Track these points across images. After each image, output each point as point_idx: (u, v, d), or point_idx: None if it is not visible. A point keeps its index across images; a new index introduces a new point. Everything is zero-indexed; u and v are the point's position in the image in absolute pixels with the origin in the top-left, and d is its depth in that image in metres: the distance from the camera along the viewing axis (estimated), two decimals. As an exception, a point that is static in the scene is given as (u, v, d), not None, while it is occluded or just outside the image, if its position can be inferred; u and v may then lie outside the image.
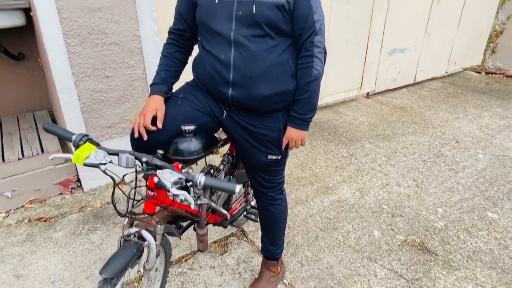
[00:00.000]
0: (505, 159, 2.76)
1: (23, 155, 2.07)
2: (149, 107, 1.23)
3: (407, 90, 4.25)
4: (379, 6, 3.44)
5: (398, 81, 4.16)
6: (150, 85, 1.32)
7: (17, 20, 2.09)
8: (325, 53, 1.22)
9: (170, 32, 1.33)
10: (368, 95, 3.98)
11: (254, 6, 1.09)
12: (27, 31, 2.42)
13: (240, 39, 1.12)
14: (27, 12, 2.16)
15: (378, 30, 3.58)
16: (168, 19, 2.38)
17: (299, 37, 1.17)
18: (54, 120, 2.64)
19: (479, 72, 5.08)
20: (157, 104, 1.24)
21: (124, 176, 1.03)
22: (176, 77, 1.35)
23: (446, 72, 4.76)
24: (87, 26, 1.91)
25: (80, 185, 2.25)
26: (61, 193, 2.21)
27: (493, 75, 4.99)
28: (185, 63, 1.38)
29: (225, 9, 1.13)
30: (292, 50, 1.20)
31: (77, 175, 2.23)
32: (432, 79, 4.66)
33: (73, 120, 2.07)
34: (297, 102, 1.23)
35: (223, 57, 1.16)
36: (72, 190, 2.24)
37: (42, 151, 2.14)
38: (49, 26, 1.79)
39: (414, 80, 4.36)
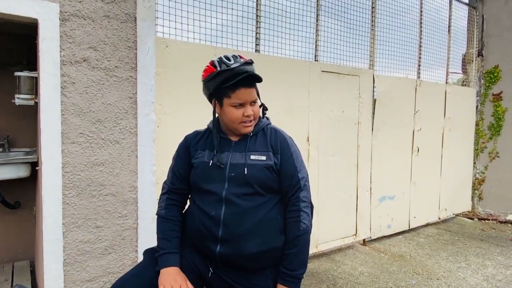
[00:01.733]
0: (523, 317, 2.50)
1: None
2: (175, 278, 1.17)
3: (403, 237, 4.19)
4: (363, 157, 3.73)
5: (393, 227, 4.14)
6: (163, 253, 1.25)
7: (22, 172, 2.22)
8: (311, 207, 1.26)
9: (169, 191, 1.36)
10: (364, 242, 3.89)
11: (245, 168, 1.18)
12: (28, 181, 2.53)
13: (231, 197, 1.18)
14: (33, 164, 2.31)
15: (365, 179, 3.78)
16: (166, 170, 2.53)
17: (285, 193, 1.23)
18: (34, 272, 2.48)
19: (471, 218, 5.12)
20: (182, 276, 1.20)
21: None
22: (179, 245, 1.32)
23: (439, 218, 4.79)
24: (87, 178, 2.02)
25: None
26: None
27: (486, 221, 5.02)
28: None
29: (218, 171, 1.22)
30: (280, 206, 1.24)
31: None
32: (427, 225, 4.66)
33: (52, 272, 1.95)
34: (286, 256, 1.20)
35: (213, 213, 1.19)
36: None
37: (10, 310, 1.93)
38: (52, 179, 1.89)
39: (409, 227, 4.34)
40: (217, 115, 1.34)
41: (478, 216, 5.16)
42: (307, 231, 1.21)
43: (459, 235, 4.37)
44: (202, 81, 1.31)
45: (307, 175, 1.26)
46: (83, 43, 1.94)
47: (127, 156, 2.14)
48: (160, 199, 1.39)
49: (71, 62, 1.92)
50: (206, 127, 1.44)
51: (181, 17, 2.52)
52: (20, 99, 2.13)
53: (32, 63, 2.60)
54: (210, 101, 1.34)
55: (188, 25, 2.55)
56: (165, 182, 1.41)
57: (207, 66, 1.29)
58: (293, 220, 1.20)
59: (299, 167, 1.24)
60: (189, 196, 1.39)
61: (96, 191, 2.05)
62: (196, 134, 1.39)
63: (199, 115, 2.61)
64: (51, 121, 1.88)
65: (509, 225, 4.85)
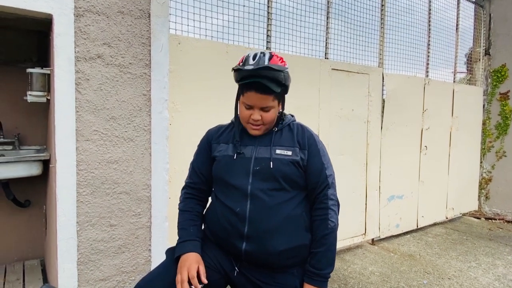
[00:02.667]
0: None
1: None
2: (191, 261, 1.13)
3: (411, 236, 4.17)
4: (372, 156, 3.70)
5: (401, 227, 4.12)
6: (180, 242, 1.24)
7: (34, 170, 2.19)
8: (338, 205, 1.24)
9: (187, 186, 1.37)
10: (373, 242, 3.87)
11: (271, 162, 1.16)
12: (38, 178, 2.50)
13: (256, 192, 1.15)
14: (44, 162, 2.28)
15: (374, 178, 3.76)
16: (178, 168, 2.51)
17: (312, 191, 1.20)
18: (44, 271, 2.46)
19: (478, 218, 5.10)
20: (198, 259, 1.16)
21: None
22: (201, 231, 1.31)
23: (446, 218, 4.77)
24: (102, 176, 1.99)
25: None
26: None
27: (493, 220, 5.00)
28: (203, 216, 1.37)
29: (242, 164, 1.19)
30: (306, 203, 1.22)
31: None
32: (434, 224, 4.64)
33: (66, 272, 1.92)
34: (313, 255, 1.18)
35: (238, 209, 1.16)
36: None
37: (24, 309, 1.91)
38: (66, 177, 1.86)
39: (417, 226, 4.32)
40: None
41: (485, 216, 5.14)
42: (334, 230, 1.18)
43: (467, 234, 4.34)
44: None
45: (334, 173, 1.24)
46: (97, 39, 1.92)
47: (141, 154, 2.11)
48: (180, 193, 1.38)
49: (85, 59, 1.89)
50: (225, 123, 1.41)
51: (193, 13, 2.49)
52: (32, 96, 2.10)
53: (42, 59, 2.57)
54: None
55: (200, 22, 2.52)
56: (186, 178, 1.40)
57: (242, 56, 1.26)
58: (321, 218, 1.17)
59: (326, 164, 1.22)
60: (210, 193, 1.37)
61: (110, 189, 2.02)
62: (219, 128, 1.37)
63: (212, 112, 2.60)
64: (66, 118, 1.85)
65: (517, 224, 4.82)
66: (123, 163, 2.06)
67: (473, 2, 5.10)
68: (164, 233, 2.22)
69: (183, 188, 1.38)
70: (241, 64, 1.19)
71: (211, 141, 1.32)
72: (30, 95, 2.09)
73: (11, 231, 2.55)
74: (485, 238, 4.21)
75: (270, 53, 1.20)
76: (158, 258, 2.19)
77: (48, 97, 2.15)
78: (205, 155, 1.32)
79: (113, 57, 1.97)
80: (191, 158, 2.60)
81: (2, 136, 2.42)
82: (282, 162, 1.16)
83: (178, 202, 1.37)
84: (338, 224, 1.21)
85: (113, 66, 1.98)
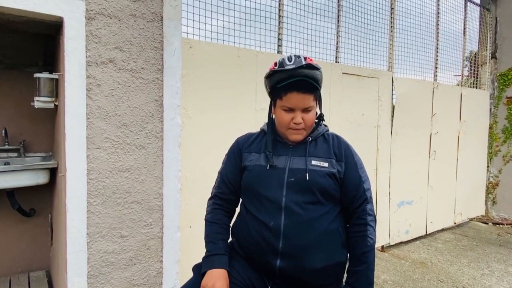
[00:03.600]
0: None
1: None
2: (216, 278, 1.08)
3: (421, 243, 4.10)
4: (382, 161, 3.64)
5: (411, 233, 4.06)
6: (208, 256, 1.18)
7: (41, 179, 2.11)
8: (375, 220, 1.17)
9: (216, 196, 1.30)
10: (383, 248, 3.80)
11: (307, 174, 1.09)
12: (44, 186, 2.42)
13: (291, 205, 1.08)
14: (51, 170, 2.20)
15: (384, 184, 3.69)
16: (189, 176, 2.44)
17: (349, 205, 1.13)
18: (50, 282, 2.37)
19: (485, 223, 5.05)
20: (225, 276, 1.11)
21: None
22: (228, 246, 1.24)
23: (455, 223, 4.71)
24: (113, 185, 1.91)
25: None
26: None
27: (501, 225, 4.95)
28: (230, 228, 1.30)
29: (276, 175, 1.13)
30: (341, 217, 1.15)
31: None
32: (442, 230, 4.58)
33: (75, 286, 1.84)
34: (352, 274, 1.10)
35: (272, 224, 1.09)
36: None
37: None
38: (76, 186, 1.79)
39: (426, 232, 4.26)
40: (272, 116, 1.24)
41: (492, 221, 5.09)
42: (373, 247, 1.12)
43: (477, 240, 4.29)
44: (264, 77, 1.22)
45: (371, 186, 1.17)
46: (109, 43, 1.85)
47: (153, 161, 2.04)
48: (207, 204, 1.31)
49: (97, 63, 1.82)
50: (254, 131, 1.34)
51: (205, 16, 2.43)
52: (40, 101, 2.02)
53: (47, 64, 2.50)
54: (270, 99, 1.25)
55: (211, 25, 2.46)
56: (213, 187, 1.33)
57: (274, 62, 1.20)
58: (360, 235, 1.11)
59: (364, 177, 1.15)
60: (239, 204, 1.30)
61: (121, 198, 1.94)
62: (249, 136, 1.30)
63: (224, 118, 2.53)
64: (76, 125, 1.78)
65: (525, 229, 4.77)
66: (135, 171, 1.98)
67: (478, 5, 5.07)
68: (176, 243, 2.14)
69: (210, 198, 1.31)
70: (276, 68, 1.13)
71: (242, 149, 1.25)
72: (37, 100, 2.02)
73: (15, 241, 2.46)
74: (495, 244, 4.16)
75: (303, 55, 1.15)
76: (170, 269, 2.11)
77: (56, 103, 2.08)
78: (235, 164, 1.25)
79: (125, 61, 1.90)
80: (202, 165, 2.55)
81: (7, 143, 2.34)
82: (318, 174, 1.10)
83: (206, 212, 1.30)
84: (376, 240, 1.14)
85: (125, 71, 1.91)
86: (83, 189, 1.81)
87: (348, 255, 1.14)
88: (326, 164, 1.12)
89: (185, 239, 2.37)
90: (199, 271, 1.18)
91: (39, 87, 2.03)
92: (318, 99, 1.20)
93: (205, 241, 1.23)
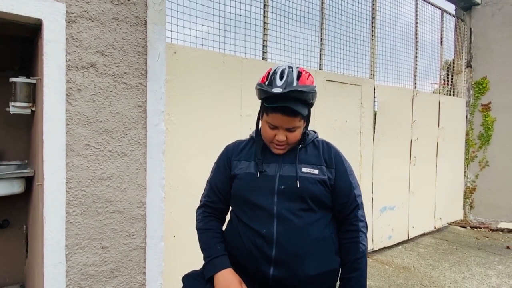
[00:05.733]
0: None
1: None
2: (232, 280, 1.05)
3: (403, 248, 4.15)
4: (365, 167, 3.68)
5: (393, 238, 4.10)
6: (209, 260, 1.14)
7: (16, 188, 2.01)
8: (367, 226, 1.16)
9: (205, 205, 1.26)
10: (367, 254, 3.82)
11: (297, 181, 1.07)
12: (18, 196, 2.30)
13: (283, 212, 1.06)
14: (27, 179, 2.10)
15: (367, 190, 3.73)
16: (173, 184, 2.38)
17: (341, 212, 1.12)
18: (23, 298, 2.24)
19: (464, 227, 5.18)
20: (238, 278, 1.07)
21: None
22: (226, 249, 1.20)
23: (435, 228, 4.81)
24: (93, 195, 1.84)
25: None
26: None
27: (478, 229, 5.09)
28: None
29: (266, 183, 1.10)
30: (333, 224, 1.14)
31: None
32: (423, 234, 4.66)
33: (52, 301, 1.75)
34: (345, 281, 1.09)
35: (265, 231, 1.06)
36: None
37: None
38: (54, 196, 1.70)
39: (408, 237, 4.32)
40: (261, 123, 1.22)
41: (470, 225, 5.23)
42: (365, 253, 1.11)
43: (456, 244, 4.38)
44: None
45: (361, 192, 1.17)
46: (90, 47, 1.79)
47: (136, 169, 1.97)
48: (196, 212, 1.27)
49: (77, 67, 1.76)
50: (243, 138, 1.32)
51: (189, 22, 2.40)
52: (16, 107, 1.93)
53: (24, 68, 2.40)
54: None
55: (196, 30, 2.43)
56: (202, 195, 1.29)
57: (267, 71, 1.15)
58: (352, 241, 1.09)
59: (354, 184, 1.14)
60: (229, 212, 1.27)
61: (102, 208, 1.87)
62: (239, 144, 1.27)
63: (209, 125, 2.49)
64: (55, 132, 1.70)
65: (501, 233, 4.92)
66: (117, 179, 1.92)
67: (454, 16, 5.26)
68: (160, 254, 2.07)
69: (200, 207, 1.27)
70: (266, 81, 1.09)
71: (231, 157, 1.22)
72: (13, 106, 1.92)
73: (-14, 254, 2.32)
74: (474, 247, 4.26)
75: (298, 69, 1.11)
76: (153, 281, 2.04)
77: (33, 109, 1.99)
78: (224, 172, 1.22)
79: (107, 66, 1.85)
80: (187, 172, 2.49)
81: (-22, 151, 2.21)
82: (309, 181, 1.08)
83: (196, 220, 1.26)
84: (367, 246, 1.13)
85: (107, 75, 1.85)
86: (62, 198, 1.73)
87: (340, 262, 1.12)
88: (316, 171, 1.11)
89: (169, 249, 2.30)
90: (191, 280, 1.13)
91: (15, 92, 1.94)
92: (307, 117, 1.17)
93: (202, 249, 1.19)
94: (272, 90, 1.05)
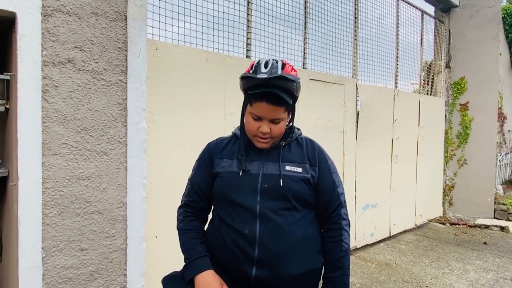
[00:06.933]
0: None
1: None
2: (212, 282, 1.03)
3: (385, 245, 4.22)
4: (348, 166, 3.72)
5: (375, 235, 4.16)
6: (190, 262, 1.12)
7: (-11, 189, 1.92)
8: (349, 225, 1.16)
9: (186, 205, 1.23)
10: (350, 252, 3.86)
11: (281, 180, 1.06)
12: (-7, 198, 2.21)
13: (266, 212, 1.05)
14: (1, 179, 2.02)
15: (350, 188, 3.77)
16: (155, 184, 2.33)
17: (324, 210, 1.12)
18: (-3, 304, 2.15)
19: (443, 223, 5.31)
20: (219, 280, 1.06)
21: None
22: (207, 250, 1.17)
23: (415, 225, 4.91)
24: (71, 195, 1.78)
25: None
26: None
27: (457, 225, 5.22)
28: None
29: (249, 181, 1.09)
30: (316, 223, 1.13)
31: None
32: (405, 231, 4.75)
33: (28, 306, 1.68)
34: (328, 280, 1.08)
35: (247, 231, 1.05)
36: None
37: None
38: (30, 197, 1.64)
39: (390, 234, 4.39)
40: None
41: (449, 221, 5.36)
42: (348, 252, 1.11)
43: (436, 240, 4.48)
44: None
45: (344, 190, 1.17)
46: (67, 42, 1.73)
47: (116, 168, 1.92)
48: (177, 212, 1.24)
49: (54, 63, 1.69)
50: (226, 135, 1.29)
51: (172, 18, 2.36)
52: (-12, 104, 1.84)
53: (-3, 64, 2.30)
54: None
55: (179, 27, 2.39)
56: (183, 194, 1.26)
57: (251, 63, 1.14)
58: (335, 240, 1.09)
59: (337, 182, 1.14)
60: (209, 211, 1.24)
61: (80, 209, 1.81)
62: (221, 141, 1.25)
63: (192, 123, 2.45)
64: (30, 130, 1.63)
65: (478, 229, 5.07)
66: (96, 179, 1.86)
67: (433, 17, 5.37)
68: (141, 255, 2.02)
69: (180, 207, 1.24)
70: (251, 71, 1.08)
71: (213, 155, 1.19)
72: (-15, 103, 1.83)
73: (-43, 259, 2.22)
74: (453, 243, 4.37)
75: (282, 61, 1.11)
76: (134, 283, 1.99)
77: (7, 106, 1.90)
78: (206, 171, 1.19)
79: (86, 62, 1.79)
80: (169, 172, 2.45)
81: None
82: (292, 180, 1.07)
83: (176, 220, 1.23)
84: (350, 245, 1.13)
85: (85, 72, 1.79)
86: (38, 199, 1.67)
87: (323, 260, 1.12)
88: (300, 169, 1.10)
89: (150, 250, 2.26)
90: (172, 282, 1.10)
91: (-13, 88, 1.85)
92: (291, 109, 1.17)
93: (182, 250, 1.16)
94: (257, 76, 1.04)
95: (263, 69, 1.06)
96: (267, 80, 1.04)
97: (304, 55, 3.27)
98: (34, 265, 1.67)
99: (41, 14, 1.64)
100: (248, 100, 1.13)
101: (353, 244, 3.85)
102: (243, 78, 1.09)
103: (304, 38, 3.26)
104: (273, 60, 1.09)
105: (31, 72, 1.62)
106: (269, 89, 1.05)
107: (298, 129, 1.26)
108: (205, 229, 1.22)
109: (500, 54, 5.16)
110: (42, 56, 1.65)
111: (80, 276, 1.83)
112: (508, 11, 5.64)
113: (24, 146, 1.62)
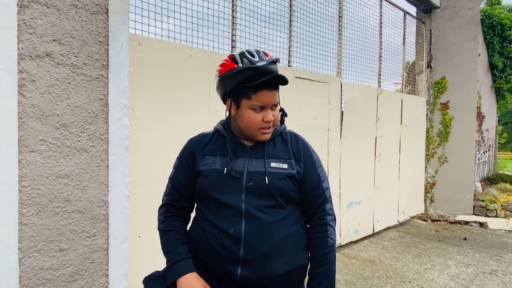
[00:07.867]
0: (492, 313, 2.62)
1: None
2: (194, 284, 1.02)
3: (369, 241, 4.27)
4: (332, 164, 3.74)
5: (359, 232, 4.21)
6: (172, 264, 1.08)
7: (-39, 188, 1.83)
8: (335, 220, 1.15)
9: (167, 204, 1.19)
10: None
11: (266, 177, 1.04)
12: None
13: (252, 210, 1.03)
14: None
15: (335, 185, 3.79)
16: (137, 182, 2.28)
17: (309, 205, 1.11)
18: (-29, 308, 2.06)
19: (425, 220, 5.42)
20: (202, 281, 1.03)
21: None
22: (190, 251, 1.14)
23: (398, 221, 4.99)
24: (50, 193, 1.71)
25: None
26: None
27: (438, 222, 5.34)
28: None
29: (233, 179, 1.06)
30: (302, 219, 1.12)
31: None
32: (388, 228, 4.82)
33: (3, 310, 1.61)
34: (314, 276, 1.07)
35: (232, 230, 1.02)
36: None
37: None
38: (5, 195, 1.57)
39: (373, 231, 4.45)
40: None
41: (431, 218, 5.47)
42: (334, 247, 1.10)
43: (418, 237, 4.57)
44: (218, 77, 1.11)
45: (329, 185, 1.16)
46: (45, 35, 1.66)
47: (97, 166, 1.86)
48: (158, 212, 1.20)
49: (31, 57, 1.63)
50: (212, 129, 1.25)
51: (155, 13, 2.31)
52: (-40, 99, 1.76)
53: (-29, 58, 2.20)
54: (224, 100, 1.15)
55: (162, 21, 2.35)
56: (164, 193, 1.22)
57: (226, 60, 1.10)
58: (320, 236, 1.08)
59: (323, 176, 1.13)
60: (192, 210, 1.21)
61: (59, 208, 1.75)
62: (203, 137, 1.21)
63: (175, 120, 2.41)
64: (6, 126, 1.57)
65: (459, 225, 5.19)
66: (76, 177, 1.80)
67: (415, 18, 5.47)
68: (124, 255, 1.98)
69: (161, 206, 1.20)
70: (240, 64, 1.04)
71: (195, 152, 1.16)
72: (-43, 98, 1.75)
73: None
74: (434, 239, 4.46)
75: (255, 50, 1.10)
76: (116, 283, 1.94)
77: (-19, 101, 1.82)
78: (188, 168, 1.16)
79: (65, 55, 1.73)
80: (152, 170, 2.40)
81: None
82: (278, 177, 1.05)
83: (157, 221, 1.19)
84: (336, 240, 1.13)
85: (64, 66, 1.73)
86: (14, 198, 1.60)
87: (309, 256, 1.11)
88: (285, 166, 1.08)
89: (133, 250, 2.21)
90: (154, 282, 1.07)
91: (-41, 82, 1.77)
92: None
93: (164, 252, 1.13)
94: (258, 64, 1.02)
95: (257, 58, 1.04)
96: (266, 66, 1.03)
97: (289, 53, 3.27)
98: (10, 267, 1.61)
99: (17, 5, 1.57)
100: (244, 94, 1.08)
101: (338, 241, 3.88)
102: (235, 73, 1.04)
103: (290, 36, 3.26)
104: (254, 50, 1.08)
105: (7, 65, 1.55)
106: (272, 75, 1.03)
107: (283, 123, 1.25)
108: (187, 228, 1.20)
109: (479, 55, 5.30)
110: (18, 49, 1.58)
111: (59, 277, 1.77)
112: (487, 13, 5.81)
113: (-1, 142, 1.55)
